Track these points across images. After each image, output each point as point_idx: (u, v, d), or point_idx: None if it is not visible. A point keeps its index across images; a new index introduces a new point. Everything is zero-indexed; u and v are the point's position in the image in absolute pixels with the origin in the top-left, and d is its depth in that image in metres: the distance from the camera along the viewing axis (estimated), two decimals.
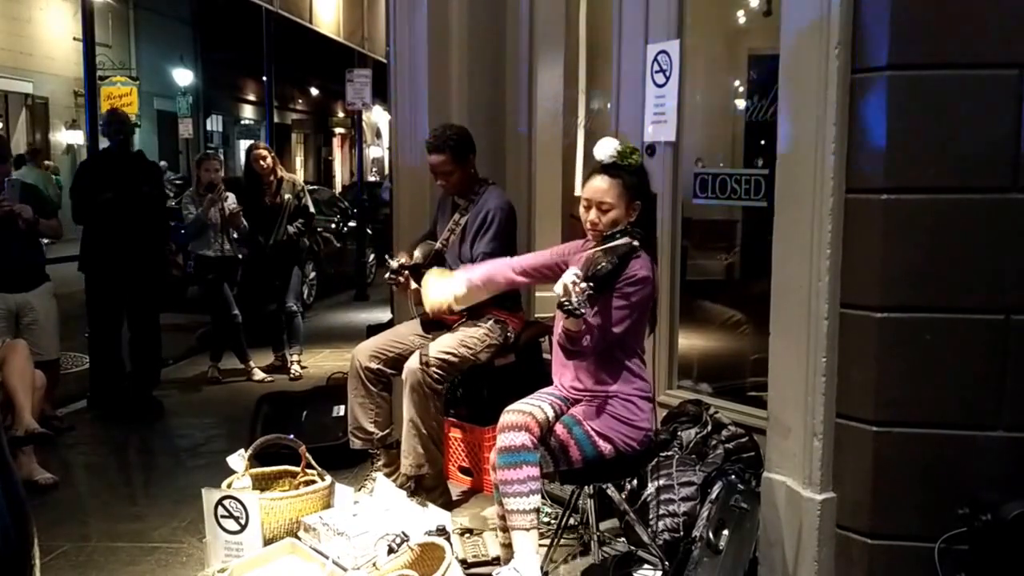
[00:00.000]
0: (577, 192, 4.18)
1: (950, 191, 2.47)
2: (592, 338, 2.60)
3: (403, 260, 3.54)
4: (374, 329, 4.46)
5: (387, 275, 3.39)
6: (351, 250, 10.50)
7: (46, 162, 17.26)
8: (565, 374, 2.87)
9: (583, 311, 2.43)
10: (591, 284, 2.46)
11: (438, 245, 3.65)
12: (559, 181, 4.25)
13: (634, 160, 2.79)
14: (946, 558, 2.44)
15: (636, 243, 2.60)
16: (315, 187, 11.11)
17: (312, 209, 6.18)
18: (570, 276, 2.45)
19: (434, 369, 3.38)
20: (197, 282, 6.11)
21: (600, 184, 2.75)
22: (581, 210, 2.80)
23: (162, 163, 5.97)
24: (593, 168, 2.83)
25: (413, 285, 3.43)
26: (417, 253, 3.47)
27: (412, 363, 3.41)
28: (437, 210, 3.86)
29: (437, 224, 3.80)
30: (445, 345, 3.44)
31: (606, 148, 2.78)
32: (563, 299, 2.42)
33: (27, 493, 1.68)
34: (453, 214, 3.69)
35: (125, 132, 5.20)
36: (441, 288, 3.10)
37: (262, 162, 5.83)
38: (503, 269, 3.06)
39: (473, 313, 3.50)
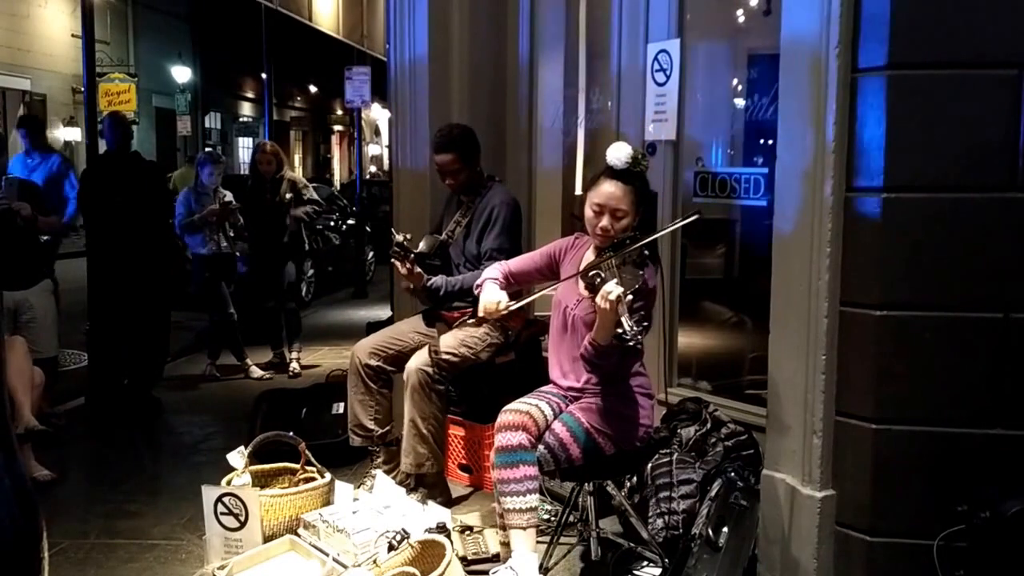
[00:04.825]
0: (578, 191, 4.17)
1: (950, 190, 2.48)
2: (619, 355, 2.57)
3: (409, 236, 3.48)
4: (374, 326, 4.46)
5: (391, 250, 3.37)
6: (350, 247, 10.50)
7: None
8: (564, 373, 2.87)
9: (641, 345, 2.41)
10: (643, 314, 2.42)
11: (443, 237, 3.66)
12: (560, 180, 4.25)
13: (644, 166, 2.73)
14: (945, 555, 2.45)
15: (647, 252, 2.58)
16: (315, 185, 11.08)
17: (316, 197, 6.19)
18: (616, 304, 2.35)
19: (435, 368, 3.39)
20: (193, 281, 6.10)
21: (615, 191, 2.66)
22: (589, 213, 2.70)
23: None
24: (603, 171, 2.72)
25: (417, 269, 3.42)
26: (423, 245, 3.46)
27: (414, 363, 3.42)
28: (444, 207, 3.87)
29: (443, 219, 3.81)
30: (447, 344, 3.45)
31: (621, 153, 2.67)
32: (621, 332, 2.36)
33: None
34: (459, 208, 3.72)
35: (127, 136, 5.30)
36: (489, 294, 2.98)
37: (267, 165, 5.86)
38: (494, 274, 3.00)
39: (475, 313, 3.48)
